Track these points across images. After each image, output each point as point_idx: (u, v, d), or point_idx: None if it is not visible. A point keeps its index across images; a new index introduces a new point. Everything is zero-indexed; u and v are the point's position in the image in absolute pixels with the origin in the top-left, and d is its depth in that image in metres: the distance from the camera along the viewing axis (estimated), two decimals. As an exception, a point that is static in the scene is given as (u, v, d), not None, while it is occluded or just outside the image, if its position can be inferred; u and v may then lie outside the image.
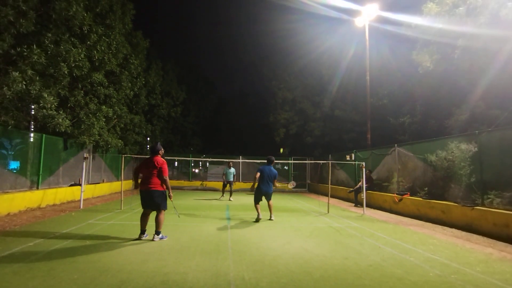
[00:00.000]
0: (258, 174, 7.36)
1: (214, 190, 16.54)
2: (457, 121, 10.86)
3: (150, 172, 5.13)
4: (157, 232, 5.21)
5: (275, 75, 22.85)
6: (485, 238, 5.97)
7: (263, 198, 7.40)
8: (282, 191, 17.07)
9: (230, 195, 12.53)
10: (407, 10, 12.70)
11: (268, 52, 24.95)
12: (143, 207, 5.27)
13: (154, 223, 5.18)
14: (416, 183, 9.12)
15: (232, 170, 12.32)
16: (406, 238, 5.84)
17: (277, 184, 7.64)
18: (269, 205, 7.47)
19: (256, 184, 7.48)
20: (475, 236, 6.19)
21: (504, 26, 8.73)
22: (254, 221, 7.14)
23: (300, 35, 21.17)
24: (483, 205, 6.57)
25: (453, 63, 10.69)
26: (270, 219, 7.36)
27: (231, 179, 12.20)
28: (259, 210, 7.32)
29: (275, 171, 7.46)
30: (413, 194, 9.00)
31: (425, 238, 5.93)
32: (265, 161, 7.77)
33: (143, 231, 5.24)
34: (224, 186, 12.55)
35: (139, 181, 5.34)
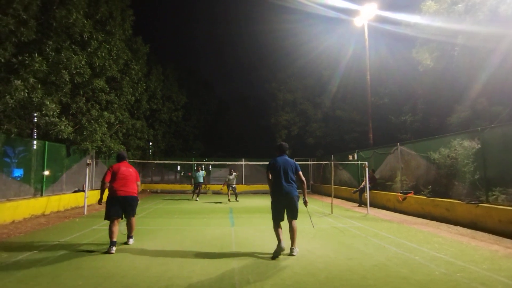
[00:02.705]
0: (270, 173, 4.75)
1: (217, 193, 16.54)
2: (459, 118, 10.83)
3: (129, 178, 5.01)
4: (131, 236, 5.20)
5: (275, 77, 22.90)
6: (490, 235, 5.92)
7: (285, 210, 4.68)
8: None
9: (197, 196, 13.48)
10: (406, 9, 12.73)
11: (267, 53, 25.16)
12: (113, 215, 4.80)
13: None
14: (419, 181, 9.07)
15: (201, 173, 13.12)
16: (411, 237, 5.81)
17: (305, 187, 4.90)
18: (291, 228, 4.63)
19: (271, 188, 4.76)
20: (480, 233, 6.14)
21: (503, 22, 8.72)
22: (272, 258, 4.43)
23: (298, 35, 21.29)
24: (487, 202, 6.53)
25: (453, 60, 10.68)
26: (291, 254, 4.53)
27: (201, 181, 13.08)
28: (281, 234, 4.58)
29: (293, 161, 4.88)
30: (416, 192, 8.95)
31: (430, 236, 5.89)
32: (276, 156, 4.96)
33: (114, 243, 4.67)
34: (195, 188, 13.44)
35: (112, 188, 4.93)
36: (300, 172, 4.82)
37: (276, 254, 4.44)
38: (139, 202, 5.26)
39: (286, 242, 4.57)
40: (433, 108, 12.73)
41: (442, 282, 3.46)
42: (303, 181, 4.82)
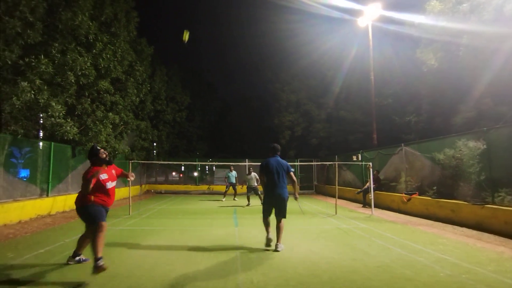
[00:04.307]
0: (263, 174, 5.03)
1: (221, 193, 16.56)
2: (464, 119, 10.75)
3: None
4: (77, 253, 4.19)
5: (278, 77, 22.89)
6: (496, 237, 5.87)
7: (273, 209, 5.01)
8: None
9: (234, 196, 13.40)
10: (410, 9, 12.65)
11: (270, 53, 25.14)
12: None
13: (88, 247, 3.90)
14: (424, 182, 9.02)
15: (234, 173, 13.10)
16: (415, 238, 5.78)
17: (297, 185, 5.13)
18: (278, 226, 4.93)
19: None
20: (486, 234, 6.09)
21: (508, 21, 8.65)
22: (265, 246, 4.98)
23: (301, 35, 21.23)
24: (493, 203, 6.47)
25: (458, 60, 10.60)
26: (275, 250, 4.81)
27: (233, 181, 13.02)
28: (269, 228, 5.07)
29: (285, 162, 5.10)
30: (421, 193, 8.90)
31: (435, 238, 5.86)
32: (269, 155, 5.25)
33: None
34: (227, 188, 13.39)
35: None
36: (292, 173, 5.06)
37: (267, 243, 4.94)
38: (91, 212, 4.10)
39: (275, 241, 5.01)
40: (438, 109, 12.64)
41: (447, 284, 3.45)
42: (294, 180, 5.03)
